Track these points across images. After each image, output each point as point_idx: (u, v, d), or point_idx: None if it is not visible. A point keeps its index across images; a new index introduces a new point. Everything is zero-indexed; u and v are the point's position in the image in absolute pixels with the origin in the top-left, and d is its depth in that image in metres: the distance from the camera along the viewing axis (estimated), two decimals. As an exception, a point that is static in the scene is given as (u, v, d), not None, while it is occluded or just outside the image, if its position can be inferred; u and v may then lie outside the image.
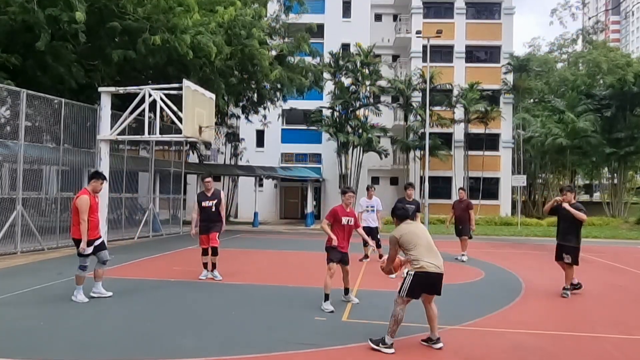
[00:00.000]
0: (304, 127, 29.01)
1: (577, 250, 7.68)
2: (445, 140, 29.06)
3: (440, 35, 22.58)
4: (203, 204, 8.48)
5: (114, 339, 5.04)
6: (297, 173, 26.71)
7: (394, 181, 32.32)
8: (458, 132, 30.13)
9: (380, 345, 4.82)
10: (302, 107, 27.81)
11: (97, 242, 6.69)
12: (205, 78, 15.05)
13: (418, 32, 24.95)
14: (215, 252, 8.54)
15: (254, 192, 25.06)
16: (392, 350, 4.77)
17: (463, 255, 11.62)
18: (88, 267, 6.67)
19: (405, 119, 29.75)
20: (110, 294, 6.91)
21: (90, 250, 6.54)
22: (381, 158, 27.95)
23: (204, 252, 8.66)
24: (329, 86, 26.23)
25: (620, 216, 29.63)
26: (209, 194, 8.57)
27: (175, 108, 10.66)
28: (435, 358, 4.71)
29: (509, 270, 10.37)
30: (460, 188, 12.89)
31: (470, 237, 12.03)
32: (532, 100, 36.63)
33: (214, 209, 8.48)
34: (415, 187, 9.51)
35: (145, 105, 10.85)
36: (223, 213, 8.62)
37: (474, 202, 29.13)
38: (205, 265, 8.69)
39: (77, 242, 6.52)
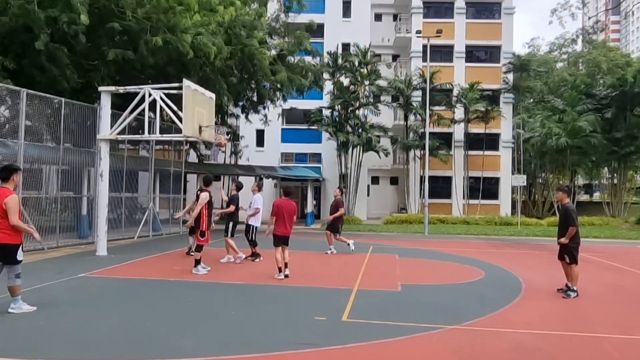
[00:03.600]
0: (303, 126, 28.98)
1: (571, 249, 7.70)
2: (445, 140, 29.05)
3: (440, 35, 22.56)
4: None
5: (114, 338, 5.04)
6: (297, 173, 26.68)
7: (394, 181, 32.33)
8: (458, 132, 30.12)
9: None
10: (302, 106, 27.80)
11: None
12: (205, 78, 15.04)
13: (418, 32, 24.93)
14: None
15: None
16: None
17: (349, 244, 12.40)
18: None
19: (406, 118, 29.74)
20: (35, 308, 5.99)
21: (22, 255, 5.86)
22: (380, 157, 27.95)
23: (201, 249, 9.10)
24: (328, 86, 26.22)
25: (620, 216, 29.62)
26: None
27: (175, 108, 10.66)
28: (435, 357, 4.72)
29: (509, 270, 10.38)
30: (338, 187, 14.49)
31: (333, 232, 12.61)
32: (532, 100, 36.64)
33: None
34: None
35: (145, 105, 10.85)
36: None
37: (474, 202, 29.52)
38: (198, 262, 9.05)
39: (7, 248, 5.66)
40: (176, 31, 12.78)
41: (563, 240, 7.63)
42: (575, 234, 7.63)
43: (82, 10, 11.21)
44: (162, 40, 12.39)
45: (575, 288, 7.69)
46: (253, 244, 10.91)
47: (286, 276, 8.65)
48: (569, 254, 7.70)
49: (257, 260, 10.80)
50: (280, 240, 8.72)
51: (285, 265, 8.77)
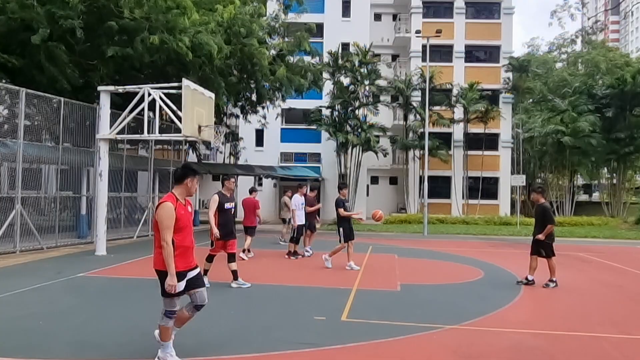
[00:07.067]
0: (303, 126, 29.00)
1: (548, 245, 8.38)
2: (445, 140, 29.08)
3: (440, 35, 22.57)
4: (226, 205, 7.72)
5: (113, 338, 5.03)
6: (296, 172, 26.68)
7: (393, 181, 32.34)
8: (457, 132, 30.14)
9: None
10: (301, 106, 27.81)
11: (192, 274, 4.30)
12: (204, 77, 15.03)
13: (417, 32, 24.94)
14: (234, 258, 7.82)
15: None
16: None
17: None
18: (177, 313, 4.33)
19: (405, 118, 29.76)
20: None
21: (182, 286, 4.18)
22: (377, 158, 27.98)
23: (211, 259, 7.86)
24: (328, 85, 26.22)
25: (619, 216, 29.65)
26: (229, 195, 7.88)
27: (174, 107, 10.66)
28: (434, 357, 4.71)
29: (508, 269, 10.39)
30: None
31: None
32: (531, 101, 36.67)
33: (233, 212, 7.90)
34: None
35: (145, 105, 10.85)
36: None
37: (473, 202, 29.53)
38: (206, 272, 7.63)
39: (161, 274, 4.14)
40: (174, 32, 12.75)
41: (540, 236, 8.30)
42: (546, 232, 8.29)
43: None
44: (160, 40, 12.36)
45: (554, 279, 8.31)
46: (296, 241, 11.57)
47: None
48: (546, 249, 8.34)
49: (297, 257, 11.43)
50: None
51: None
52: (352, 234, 9.89)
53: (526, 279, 8.54)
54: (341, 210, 9.73)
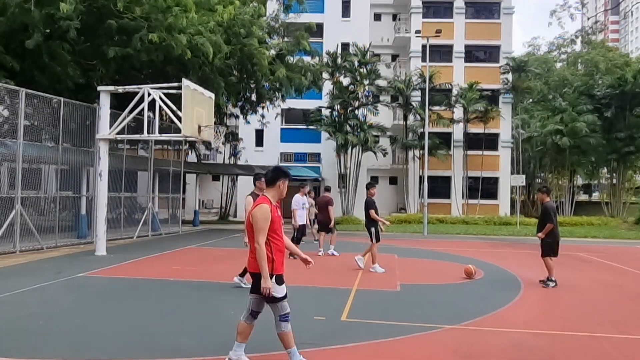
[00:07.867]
0: (303, 126, 29.01)
1: (547, 244, 8.43)
2: (445, 140, 29.09)
3: (440, 35, 22.55)
4: None
5: (113, 338, 5.03)
6: (296, 172, 26.67)
7: (393, 180, 32.34)
8: (457, 132, 30.13)
9: None
10: (301, 106, 27.81)
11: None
12: (204, 77, 15.03)
13: (417, 32, 24.94)
14: None
15: (253, 191, 25.03)
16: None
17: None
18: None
19: (405, 118, 29.76)
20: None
21: (284, 289, 4.20)
22: (377, 158, 27.97)
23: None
24: (327, 85, 26.22)
25: (619, 216, 29.66)
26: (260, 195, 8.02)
27: (174, 107, 10.65)
28: (434, 357, 4.71)
29: (508, 269, 10.39)
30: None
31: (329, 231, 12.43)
32: (531, 100, 36.69)
33: None
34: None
35: (145, 105, 10.85)
36: None
37: (473, 202, 29.54)
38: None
39: (258, 277, 4.14)
40: (172, 31, 12.74)
41: (540, 234, 8.43)
42: (552, 230, 8.31)
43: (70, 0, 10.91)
44: (158, 38, 12.33)
45: (553, 278, 8.32)
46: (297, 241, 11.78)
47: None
48: (543, 247, 8.47)
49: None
50: None
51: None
52: (379, 236, 9.97)
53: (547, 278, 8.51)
54: (372, 213, 9.75)
